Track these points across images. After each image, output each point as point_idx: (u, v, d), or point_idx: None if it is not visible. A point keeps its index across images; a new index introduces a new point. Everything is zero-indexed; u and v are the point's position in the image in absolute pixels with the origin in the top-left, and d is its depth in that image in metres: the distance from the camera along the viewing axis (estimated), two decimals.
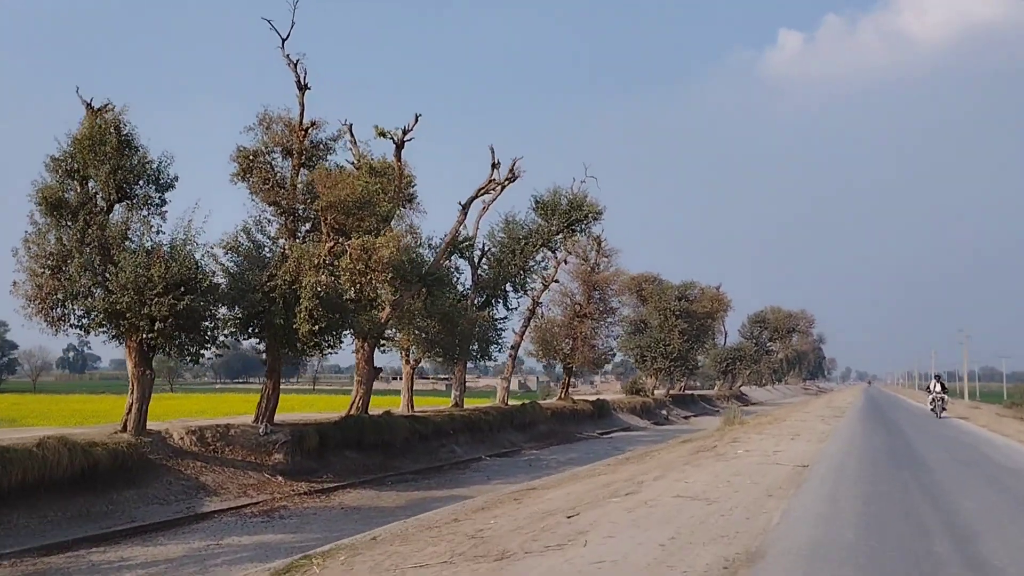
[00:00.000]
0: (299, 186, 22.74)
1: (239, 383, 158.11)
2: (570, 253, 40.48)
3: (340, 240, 20.32)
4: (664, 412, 57.22)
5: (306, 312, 19.91)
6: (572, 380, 58.98)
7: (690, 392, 75.96)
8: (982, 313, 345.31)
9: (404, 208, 30.56)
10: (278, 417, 26.69)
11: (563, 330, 42.37)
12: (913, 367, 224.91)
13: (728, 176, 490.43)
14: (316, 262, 19.92)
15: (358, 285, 20.40)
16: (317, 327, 20.05)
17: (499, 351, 35.83)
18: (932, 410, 39.70)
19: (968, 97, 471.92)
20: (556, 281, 40.35)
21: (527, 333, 40.59)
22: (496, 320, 35.20)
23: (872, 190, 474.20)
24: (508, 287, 35.47)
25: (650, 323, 64.55)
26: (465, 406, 36.04)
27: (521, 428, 36.44)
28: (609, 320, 44.54)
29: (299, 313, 19.99)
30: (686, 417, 62.20)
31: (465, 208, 29.43)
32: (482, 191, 29.65)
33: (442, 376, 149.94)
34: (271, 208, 22.60)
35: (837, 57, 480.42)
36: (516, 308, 36.11)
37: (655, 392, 65.53)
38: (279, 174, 22.51)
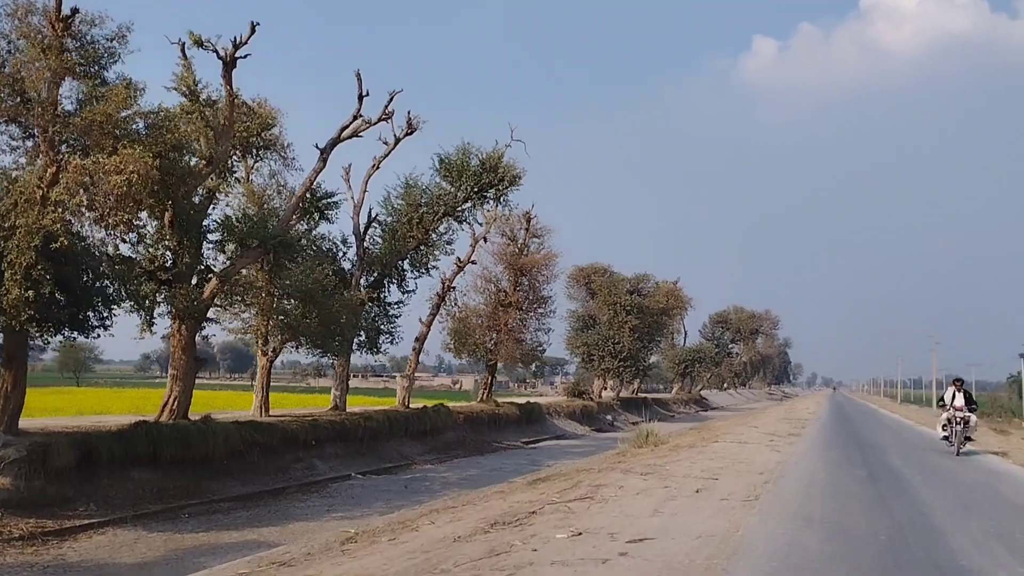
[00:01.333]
0: (60, 102, 16.12)
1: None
2: (490, 229, 34.08)
3: (63, 160, 13.72)
4: (610, 418, 51.10)
5: (20, 270, 13.33)
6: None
7: (643, 396, 69.92)
8: (951, 322, 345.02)
9: (259, 157, 24.05)
10: (53, 423, 20.11)
11: (485, 321, 36.00)
12: (879, 374, 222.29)
13: (703, 181, 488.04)
14: (31, 194, 13.33)
15: (109, 228, 13.84)
16: (37, 293, 13.48)
17: (391, 343, 29.42)
18: (945, 438, 23.37)
19: (940, 108, 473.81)
20: (473, 262, 33.92)
21: (440, 323, 34.15)
22: (389, 305, 28.78)
23: (844, 197, 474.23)
24: (406, 264, 28.96)
25: (599, 319, 58.48)
26: (360, 409, 29.74)
27: (420, 437, 29.99)
28: (540, 311, 38.18)
29: (8, 271, 13.41)
30: (635, 423, 56.15)
31: (324, 153, 22.76)
32: (346, 131, 23.10)
33: (393, 373, 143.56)
34: (13, 128, 15.98)
35: (812, 65, 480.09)
36: (414, 291, 29.59)
37: (603, 395, 59.45)
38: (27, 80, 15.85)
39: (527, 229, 36.68)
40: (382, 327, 28.33)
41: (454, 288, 33.48)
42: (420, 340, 32.81)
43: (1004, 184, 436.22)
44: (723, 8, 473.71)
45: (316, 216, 25.60)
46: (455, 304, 33.88)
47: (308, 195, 23.84)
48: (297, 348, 25.79)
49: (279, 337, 24.80)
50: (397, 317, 28.82)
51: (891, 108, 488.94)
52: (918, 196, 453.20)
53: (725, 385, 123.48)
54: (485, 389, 37.84)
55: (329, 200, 25.55)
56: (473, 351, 36.25)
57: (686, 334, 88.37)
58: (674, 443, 25.73)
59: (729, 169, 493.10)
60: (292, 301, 23.58)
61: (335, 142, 23.07)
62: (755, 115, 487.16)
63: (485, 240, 33.61)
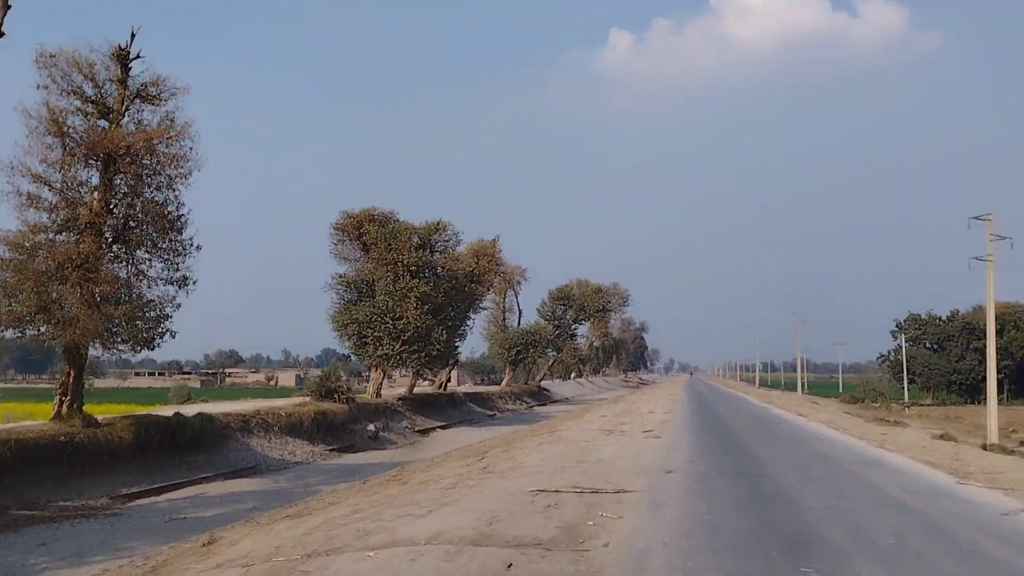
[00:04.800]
0: None
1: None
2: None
3: None
4: (374, 428, 34.09)
5: None
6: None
7: (449, 393, 53.21)
8: (814, 303, 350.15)
9: None
10: None
11: (40, 262, 17.99)
12: (735, 358, 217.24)
13: (568, 170, 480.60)
14: None
15: None
16: None
17: None
18: None
19: (789, 101, 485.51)
20: None
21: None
22: None
23: (700, 191, 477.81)
24: None
25: (376, 286, 41.43)
26: None
27: None
28: (174, 238, 19.98)
29: None
30: (427, 430, 39.59)
31: None
32: None
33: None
34: None
35: (667, 58, 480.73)
36: None
37: (381, 392, 42.41)
38: None
39: (123, 80, 18.63)
40: None
41: None
42: None
43: (848, 168, 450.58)
44: (580, 1, 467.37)
45: None
46: None
47: None
48: None
49: None
50: None
51: (743, 99, 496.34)
52: (771, 181, 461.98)
53: (573, 374, 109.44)
54: (63, 393, 19.57)
55: None
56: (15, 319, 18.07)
57: (521, 312, 72.97)
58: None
59: (591, 160, 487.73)
60: None
61: None
62: (613, 106, 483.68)
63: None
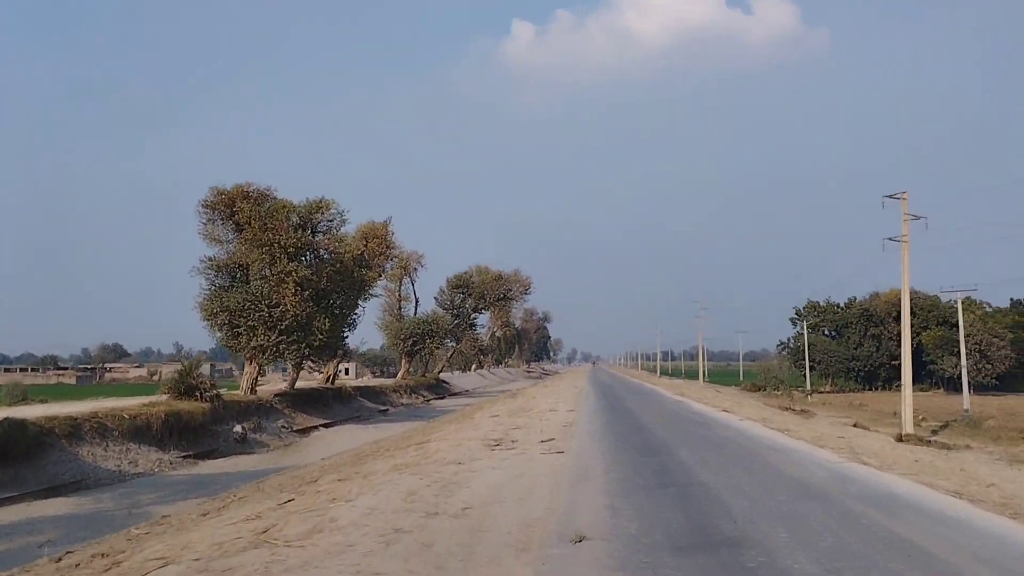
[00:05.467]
0: None
1: None
2: None
3: None
4: (241, 428, 29.94)
5: None
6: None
7: (336, 387, 49.09)
8: (717, 291, 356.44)
9: None
10: None
11: None
12: (636, 347, 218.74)
13: (470, 161, 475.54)
14: None
15: None
16: None
17: None
18: None
19: (687, 95, 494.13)
20: None
21: None
22: None
23: (601, 182, 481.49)
24: None
25: (250, 270, 37.12)
26: None
27: None
28: None
29: None
30: (306, 430, 35.62)
31: None
32: None
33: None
34: None
35: (568, 51, 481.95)
36: None
37: (255, 386, 38.11)
38: None
39: None
40: None
41: None
42: None
43: (745, 164, 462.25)
44: None
45: None
46: None
47: None
48: None
49: None
50: None
51: (642, 94, 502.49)
52: (670, 173, 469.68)
53: (475, 365, 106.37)
54: None
55: None
56: None
57: (418, 301, 69.26)
58: None
59: (494, 150, 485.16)
60: None
61: None
62: (517, 97, 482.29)
63: None
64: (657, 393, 52.40)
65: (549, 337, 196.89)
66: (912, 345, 78.85)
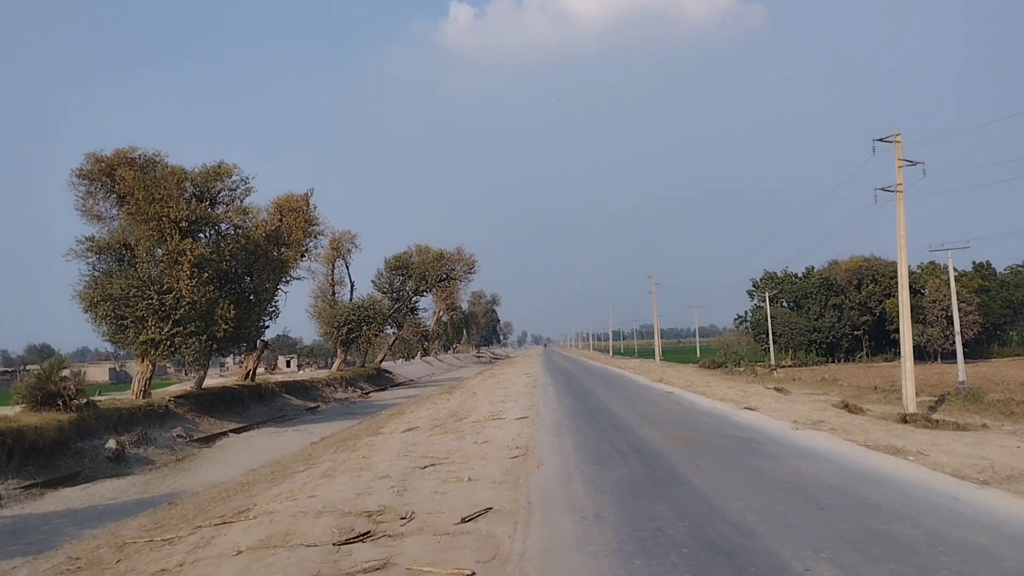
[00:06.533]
0: None
1: None
2: None
3: None
4: (116, 444, 24.21)
5: None
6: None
7: (254, 384, 43.11)
8: (664, 273, 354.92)
9: None
10: None
11: None
12: (586, 328, 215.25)
13: (411, 144, 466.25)
14: None
15: None
16: None
17: None
18: None
19: (625, 72, 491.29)
20: None
21: None
22: None
23: (541, 165, 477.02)
24: None
25: (137, 250, 31.22)
26: None
27: None
28: None
29: None
30: (211, 438, 29.98)
31: None
32: None
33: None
34: None
35: (506, 32, 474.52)
36: None
37: (147, 388, 32.25)
38: None
39: None
40: None
41: None
42: None
43: (685, 143, 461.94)
44: None
45: None
46: None
47: None
48: None
49: None
50: None
51: (581, 74, 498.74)
52: (615, 151, 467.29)
53: (420, 352, 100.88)
54: None
55: None
56: None
57: (353, 285, 63.56)
58: None
59: (435, 132, 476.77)
60: None
61: None
62: (455, 78, 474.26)
63: None
64: (629, 379, 45.33)
65: (499, 320, 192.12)
66: (875, 313, 76.10)
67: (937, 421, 24.23)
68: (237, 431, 32.53)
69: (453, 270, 67.55)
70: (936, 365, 63.24)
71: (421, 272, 65.73)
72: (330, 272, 61.47)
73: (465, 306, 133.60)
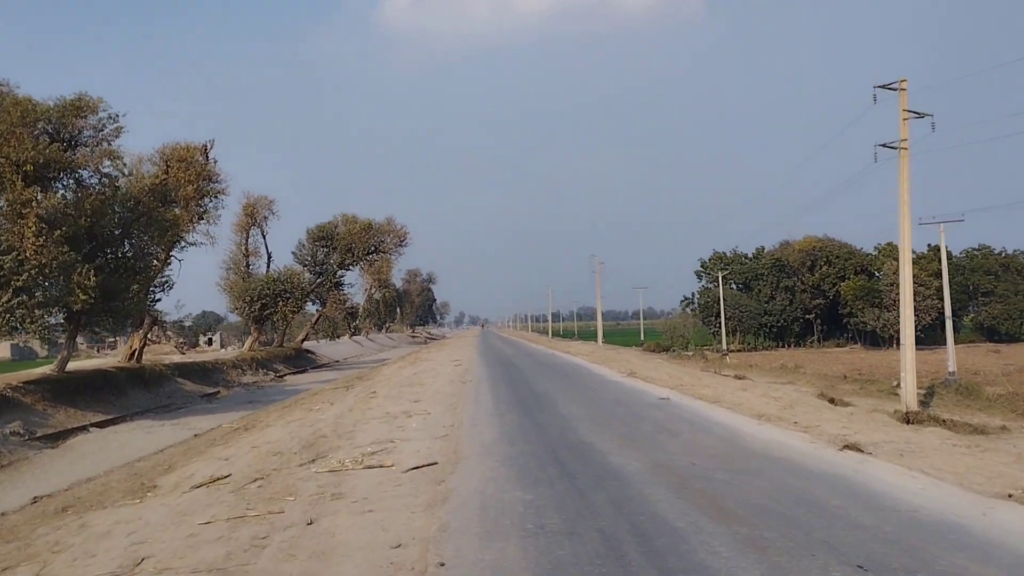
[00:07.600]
0: None
1: None
2: None
3: None
4: None
5: None
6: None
7: (137, 366, 36.85)
8: (608, 254, 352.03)
9: None
10: None
11: None
12: (525, 309, 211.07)
13: (347, 125, 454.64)
14: None
15: None
16: None
17: None
18: None
19: (565, 59, 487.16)
20: None
21: None
22: None
23: (482, 147, 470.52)
24: None
25: None
26: None
27: None
28: None
29: None
30: (62, 434, 24.04)
31: None
32: None
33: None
34: None
35: (448, 15, 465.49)
36: None
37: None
38: None
39: None
40: None
41: None
42: None
43: (629, 130, 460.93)
44: None
45: None
46: None
47: None
48: None
49: None
50: None
51: (519, 60, 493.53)
52: (560, 135, 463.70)
53: (349, 332, 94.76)
54: None
55: None
56: None
57: (270, 257, 57.42)
58: None
59: (370, 112, 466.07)
60: None
61: None
62: (396, 58, 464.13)
63: None
64: (589, 372, 33.55)
65: (435, 300, 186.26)
66: (828, 297, 72.73)
67: (945, 421, 19.98)
68: (102, 425, 26.58)
69: (383, 242, 61.76)
70: (894, 352, 60.01)
71: (347, 244, 59.79)
72: (243, 241, 55.27)
73: (399, 284, 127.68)
